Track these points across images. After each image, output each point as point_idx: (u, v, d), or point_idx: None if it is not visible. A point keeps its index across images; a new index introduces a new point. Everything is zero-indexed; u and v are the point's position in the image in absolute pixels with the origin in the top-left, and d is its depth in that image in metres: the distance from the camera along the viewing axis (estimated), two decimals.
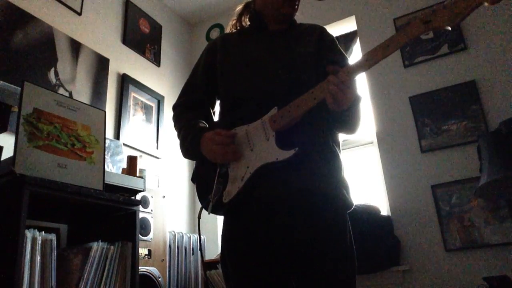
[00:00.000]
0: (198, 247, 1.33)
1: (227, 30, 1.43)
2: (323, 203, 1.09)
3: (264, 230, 1.10)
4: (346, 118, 1.14)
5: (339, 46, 1.30)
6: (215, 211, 1.17)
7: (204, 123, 1.26)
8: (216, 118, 1.36)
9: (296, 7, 1.30)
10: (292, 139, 1.08)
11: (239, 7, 1.41)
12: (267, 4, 1.30)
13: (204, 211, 1.20)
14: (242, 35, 1.35)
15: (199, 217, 1.20)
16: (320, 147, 1.14)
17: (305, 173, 1.08)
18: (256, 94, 1.18)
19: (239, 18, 1.40)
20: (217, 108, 1.38)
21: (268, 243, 1.10)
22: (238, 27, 1.40)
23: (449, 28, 0.91)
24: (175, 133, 1.34)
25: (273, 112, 1.10)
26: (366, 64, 0.98)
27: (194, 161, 1.31)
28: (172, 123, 1.38)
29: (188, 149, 1.23)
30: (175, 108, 1.37)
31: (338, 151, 1.19)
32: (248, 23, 1.37)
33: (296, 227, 1.08)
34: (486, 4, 0.85)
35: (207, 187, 1.19)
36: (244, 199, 1.11)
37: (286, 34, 1.28)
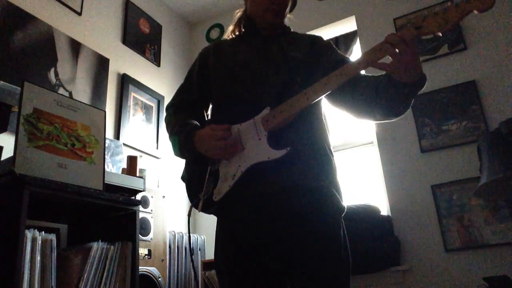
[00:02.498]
0: (189, 246, 1.33)
1: (226, 35, 1.44)
2: (315, 203, 1.09)
3: (256, 231, 1.10)
4: (407, 94, 1.02)
5: (336, 48, 1.30)
6: (205, 209, 1.17)
7: (196, 123, 1.27)
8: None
9: (280, 15, 1.29)
10: (284, 139, 1.08)
11: (238, 13, 1.42)
12: (253, 12, 1.32)
13: (198, 211, 1.19)
14: (235, 40, 1.37)
15: (189, 215, 1.20)
16: (312, 147, 1.14)
17: (296, 171, 1.09)
18: (248, 95, 1.18)
19: (237, 24, 1.41)
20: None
21: (261, 244, 1.09)
22: (237, 33, 1.40)
23: (440, 34, 0.92)
24: None
25: (265, 112, 1.11)
26: (359, 66, 0.99)
27: None
28: (165, 121, 1.38)
29: (181, 148, 1.22)
30: (168, 108, 1.38)
31: (331, 154, 1.19)
32: (243, 30, 1.38)
33: (288, 228, 1.08)
34: (475, 12, 0.86)
35: (197, 186, 1.19)
36: (235, 198, 1.11)
37: (279, 39, 1.29)
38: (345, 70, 0.99)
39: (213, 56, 1.32)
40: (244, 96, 1.19)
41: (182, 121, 1.26)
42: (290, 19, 1.40)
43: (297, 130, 1.12)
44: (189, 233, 1.22)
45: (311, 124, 1.17)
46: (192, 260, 1.28)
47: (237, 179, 1.10)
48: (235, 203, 1.13)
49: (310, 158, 1.12)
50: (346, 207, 1.16)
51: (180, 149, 1.24)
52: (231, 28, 1.42)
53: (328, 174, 1.14)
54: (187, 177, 1.27)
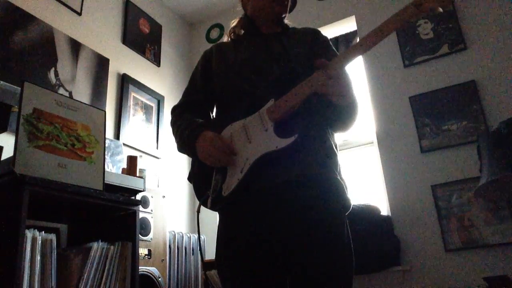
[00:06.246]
0: (198, 244, 1.32)
1: (225, 39, 1.45)
2: (323, 196, 1.09)
3: (262, 227, 1.10)
4: (345, 110, 1.12)
5: (332, 46, 1.31)
6: (214, 206, 1.17)
7: (202, 121, 1.27)
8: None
9: (286, 5, 1.31)
10: (291, 128, 1.08)
11: (234, 22, 1.43)
12: (257, 7, 1.33)
13: (207, 208, 1.19)
14: (236, 41, 1.38)
15: (198, 211, 1.19)
16: (319, 136, 1.15)
17: (305, 160, 1.09)
18: (252, 89, 1.19)
19: (232, 30, 1.42)
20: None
21: (264, 240, 1.09)
22: (232, 37, 1.42)
23: (441, 10, 0.92)
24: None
25: (270, 104, 1.11)
26: (360, 48, 0.99)
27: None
28: (170, 122, 1.38)
29: (184, 143, 1.22)
30: (174, 109, 1.37)
31: (336, 149, 1.20)
32: (243, 31, 1.39)
33: (292, 222, 1.07)
34: None
35: (205, 184, 1.19)
36: (244, 191, 1.11)
37: (280, 36, 1.30)
38: (347, 53, 1.02)
39: (215, 56, 1.34)
40: (247, 91, 1.20)
41: (187, 119, 1.27)
42: (290, 19, 1.41)
43: (303, 119, 1.12)
44: (198, 230, 1.22)
45: (317, 116, 1.17)
46: (202, 257, 1.27)
47: (246, 172, 1.09)
48: (244, 197, 1.12)
49: (315, 146, 1.12)
50: (351, 204, 1.16)
51: (183, 145, 1.24)
52: (228, 32, 1.43)
53: (334, 164, 1.15)
54: (194, 176, 1.27)
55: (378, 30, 0.97)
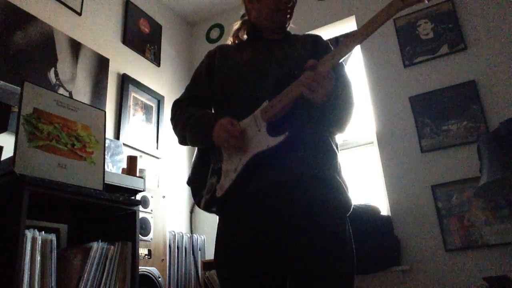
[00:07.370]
0: (190, 243, 1.33)
1: (228, 42, 1.45)
2: (321, 196, 1.08)
3: (258, 226, 1.10)
4: (333, 108, 1.12)
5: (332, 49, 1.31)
6: (208, 207, 1.17)
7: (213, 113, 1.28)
8: None
9: (288, 15, 1.33)
10: (284, 127, 1.08)
11: (236, 24, 1.44)
12: (261, 15, 1.33)
13: (200, 208, 1.20)
14: (239, 45, 1.39)
15: (191, 212, 1.21)
16: (314, 134, 1.14)
17: (299, 160, 1.09)
18: (251, 91, 1.20)
19: (236, 33, 1.42)
20: None
21: (263, 240, 1.09)
22: (236, 42, 1.42)
23: (426, 2, 0.95)
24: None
25: (264, 105, 1.12)
26: (347, 48, 1.02)
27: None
28: (171, 115, 1.36)
29: (198, 132, 1.20)
30: (176, 103, 1.36)
31: (336, 148, 1.20)
32: (245, 36, 1.40)
33: (290, 223, 1.07)
34: None
35: (201, 185, 1.20)
36: (237, 193, 1.11)
37: (281, 42, 1.32)
38: (334, 53, 1.03)
39: (219, 57, 1.34)
40: (247, 93, 1.20)
41: (198, 111, 1.25)
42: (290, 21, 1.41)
43: (298, 118, 1.12)
44: (191, 230, 1.22)
45: (313, 115, 1.16)
46: (194, 257, 1.28)
47: (239, 173, 1.10)
48: (237, 198, 1.12)
49: (312, 145, 1.12)
50: (352, 204, 1.15)
51: (197, 133, 1.21)
52: (231, 37, 1.43)
53: (333, 164, 1.14)
54: (193, 177, 1.27)
55: (367, 25, 1.01)
